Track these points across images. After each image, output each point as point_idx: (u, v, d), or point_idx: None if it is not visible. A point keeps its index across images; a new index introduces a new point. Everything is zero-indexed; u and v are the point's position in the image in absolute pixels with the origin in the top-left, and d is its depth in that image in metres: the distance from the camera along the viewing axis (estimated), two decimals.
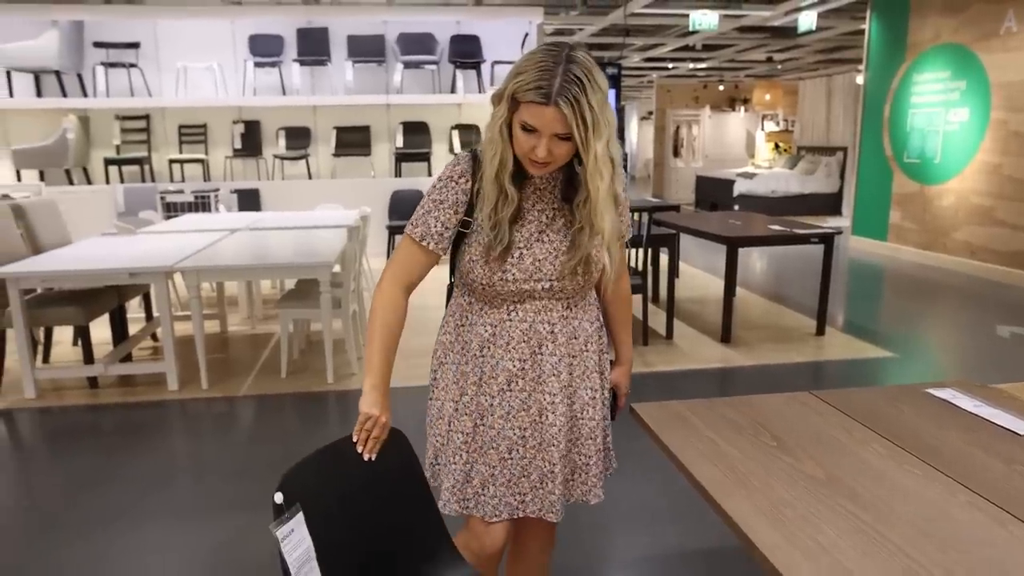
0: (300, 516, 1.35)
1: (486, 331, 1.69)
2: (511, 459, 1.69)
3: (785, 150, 16.72)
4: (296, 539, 1.33)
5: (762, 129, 17.75)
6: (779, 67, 15.36)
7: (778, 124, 17.80)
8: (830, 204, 13.79)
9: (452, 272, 1.76)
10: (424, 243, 1.63)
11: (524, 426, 1.68)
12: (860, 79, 9.97)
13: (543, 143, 1.47)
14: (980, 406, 1.86)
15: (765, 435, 1.71)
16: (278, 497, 1.35)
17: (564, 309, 1.69)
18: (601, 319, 1.82)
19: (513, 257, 1.61)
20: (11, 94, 8.42)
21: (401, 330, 1.64)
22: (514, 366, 1.67)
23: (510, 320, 1.67)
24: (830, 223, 11.73)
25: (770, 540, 1.26)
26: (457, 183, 1.62)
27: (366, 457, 1.53)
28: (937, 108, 8.20)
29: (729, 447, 1.64)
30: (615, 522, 2.84)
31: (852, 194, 10.03)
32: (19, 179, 8.48)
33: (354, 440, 1.53)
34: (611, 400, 1.88)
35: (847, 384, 4.43)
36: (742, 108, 17.97)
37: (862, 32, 9.64)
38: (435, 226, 1.63)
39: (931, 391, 1.98)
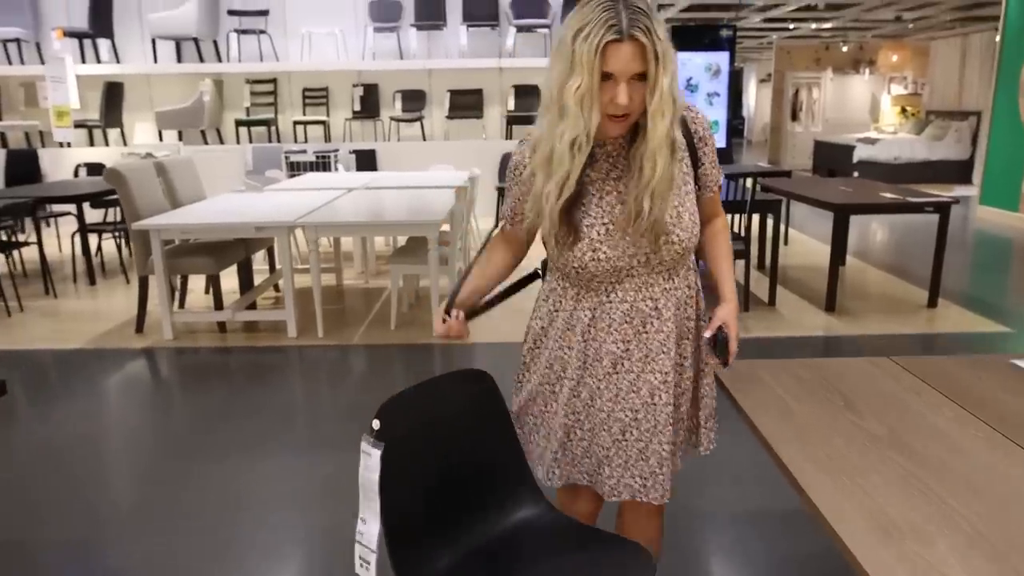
0: (379, 452, 1.54)
1: (586, 316, 1.62)
2: (626, 441, 1.65)
3: (913, 114, 15.87)
4: (372, 465, 1.53)
5: (888, 92, 16.88)
6: (909, 26, 14.53)
7: (906, 87, 16.86)
8: (959, 172, 13.06)
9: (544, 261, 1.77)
10: (509, 227, 1.69)
11: (636, 408, 1.63)
12: (998, 38, 9.37)
13: (622, 88, 1.40)
14: None
15: (834, 395, 1.78)
16: (376, 424, 1.55)
17: (666, 281, 1.62)
18: (698, 282, 1.74)
19: (600, 233, 1.54)
20: (155, 60, 9.06)
21: (496, 268, 1.73)
22: (618, 348, 1.62)
23: (610, 302, 1.61)
24: (957, 192, 11.15)
25: (815, 481, 1.35)
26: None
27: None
28: None
29: (796, 403, 1.73)
30: (702, 479, 2.95)
31: (983, 161, 9.51)
32: (161, 139, 9.16)
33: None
34: (722, 342, 1.65)
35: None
36: (866, 70, 17.12)
37: None
38: (514, 208, 1.67)
39: (1016, 361, 1.99)
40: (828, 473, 1.39)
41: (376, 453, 1.56)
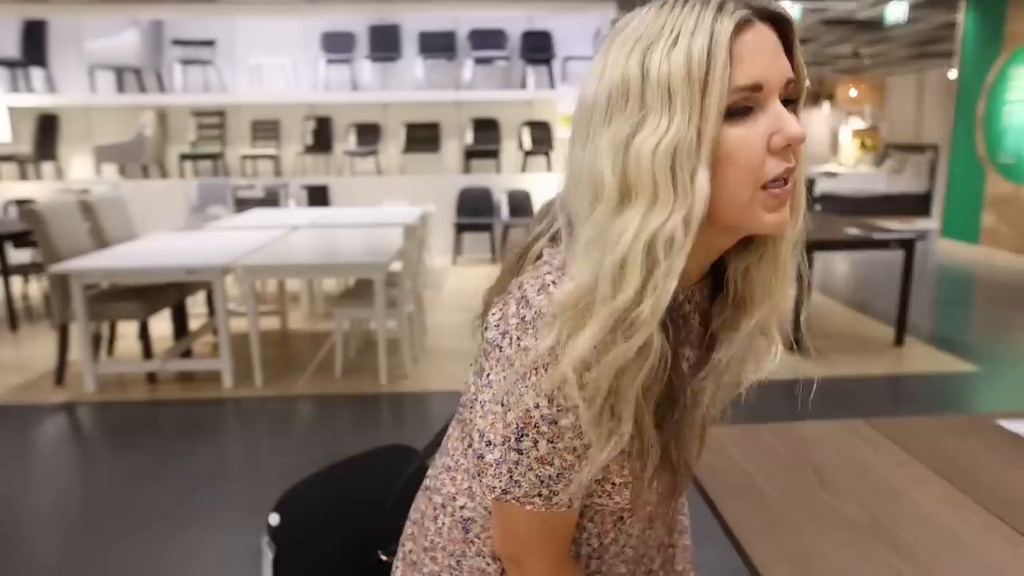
0: (271, 555, 1.28)
1: (592, 544, 0.98)
2: None
3: (872, 148, 16.06)
4: (267, 569, 1.27)
5: (847, 126, 17.09)
6: (866, 62, 14.73)
7: (864, 121, 17.10)
8: (919, 205, 13.16)
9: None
10: (574, 508, 0.88)
11: None
12: (952, 74, 9.45)
13: (783, 112, 0.77)
14: None
15: (807, 469, 1.55)
16: (273, 519, 1.29)
17: None
18: None
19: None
20: (93, 91, 8.72)
21: None
22: (626, 568, 1.03)
23: (630, 518, 0.99)
24: (918, 225, 11.19)
25: None
26: None
27: None
28: None
29: (766, 482, 1.50)
30: None
31: (942, 195, 9.54)
32: (99, 173, 8.79)
33: None
34: None
35: (921, 400, 4.17)
36: (825, 104, 17.34)
37: (955, 24, 9.13)
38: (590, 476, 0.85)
39: (1003, 423, 1.78)
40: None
41: (270, 556, 1.29)
